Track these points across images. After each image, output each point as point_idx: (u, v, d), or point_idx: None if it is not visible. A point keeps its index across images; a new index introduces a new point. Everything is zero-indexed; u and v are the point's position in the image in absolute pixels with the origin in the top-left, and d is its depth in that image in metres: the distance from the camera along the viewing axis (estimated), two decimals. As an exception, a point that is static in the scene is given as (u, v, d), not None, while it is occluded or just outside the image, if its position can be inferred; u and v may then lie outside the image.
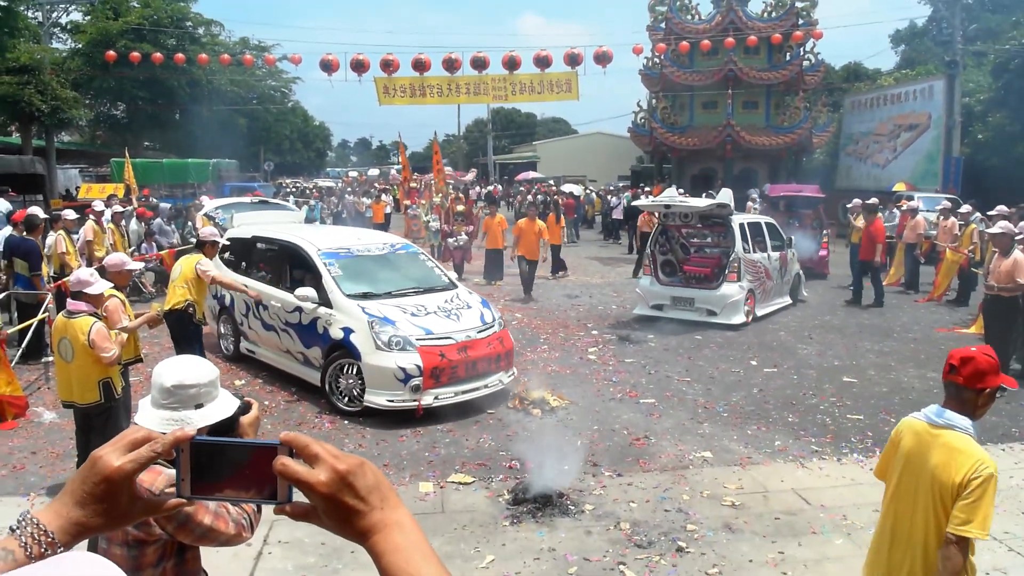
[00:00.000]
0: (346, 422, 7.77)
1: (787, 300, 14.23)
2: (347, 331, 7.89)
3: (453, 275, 9.97)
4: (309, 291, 8.23)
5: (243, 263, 10.13)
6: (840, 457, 6.86)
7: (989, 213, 13.82)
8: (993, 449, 7.03)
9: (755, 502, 5.89)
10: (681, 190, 16.79)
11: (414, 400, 7.60)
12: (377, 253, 9.37)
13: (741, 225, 12.78)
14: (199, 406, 2.37)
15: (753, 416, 7.99)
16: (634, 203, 18.65)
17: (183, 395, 2.36)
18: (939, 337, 11.75)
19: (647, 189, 28.76)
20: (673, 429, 7.55)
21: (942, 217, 15.36)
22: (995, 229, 9.11)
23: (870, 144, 31.22)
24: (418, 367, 7.56)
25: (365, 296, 8.31)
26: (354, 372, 7.89)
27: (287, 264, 9.39)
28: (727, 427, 7.64)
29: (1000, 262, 8.73)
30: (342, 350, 7.97)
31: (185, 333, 7.95)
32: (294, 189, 34.92)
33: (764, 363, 10.17)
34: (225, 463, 1.05)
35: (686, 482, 6.26)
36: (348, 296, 8.20)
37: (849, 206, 18.26)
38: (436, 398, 7.74)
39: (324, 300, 8.23)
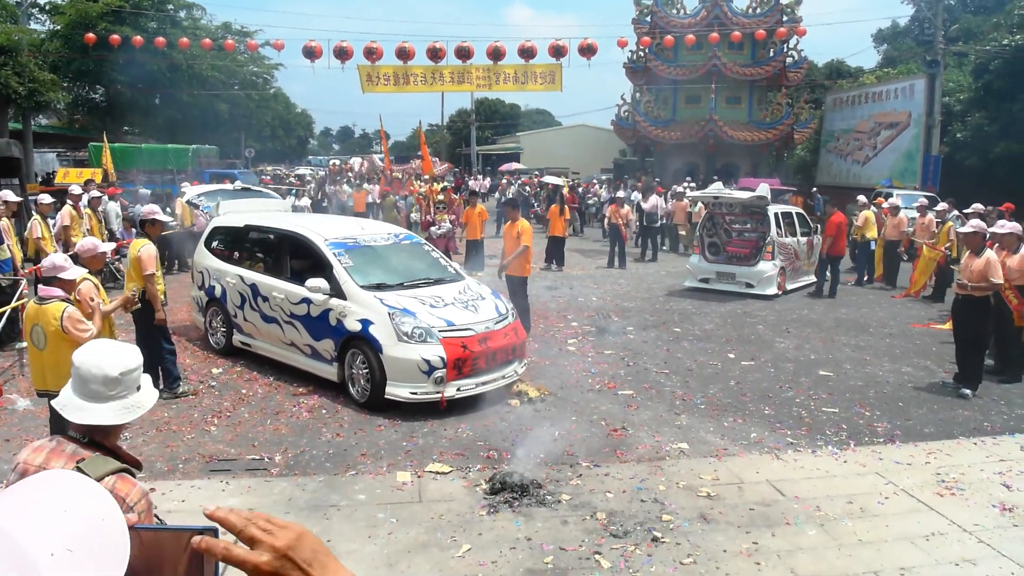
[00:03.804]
0: (324, 411, 7.75)
1: (812, 278, 15.93)
2: (365, 323, 7.71)
3: (457, 266, 9.81)
4: (321, 282, 8.04)
5: (236, 253, 9.81)
6: (815, 449, 6.92)
7: (965, 211, 13.99)
8: (965, 443, 7.14)
9: (730, 493, 5.94)
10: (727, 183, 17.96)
11: (437, 392, 7.52)
12: (383, 243, 9.17)
13: (775, 214, 14.97)
14: (139, 387, 2.36)
15: (730, 408, 8.05)
16: (688, 195, 19.34)
17: (129, 380, 2.32)
18: (915, 332, 11.89)
19: (632, 183, 28.79)
20: (650, 420, 7.59)
21: (918, 214, 15.56)
22: (966, 228, 8.94)
23: (851, 141, 31.48)
24: (442, 358, 7.47)
25: (379, 287, 8.14)
26: (368, 364, 7.73)
27: (287, 254, 9.05)
28: (704, 419, 7.69)
29: (971, 261, 8.64)
30: (359, 342, 7.80)
31: (146, 320, 7.88)
32: (273, 177, 34.41)
33: (742, 356, 10.24)
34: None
35: (662, 473, 6.29)
36: (363, 287, 8.03)
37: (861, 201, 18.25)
38: (459, 389, 7.66)
39: (336, 291, 8.05)
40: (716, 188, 15.96)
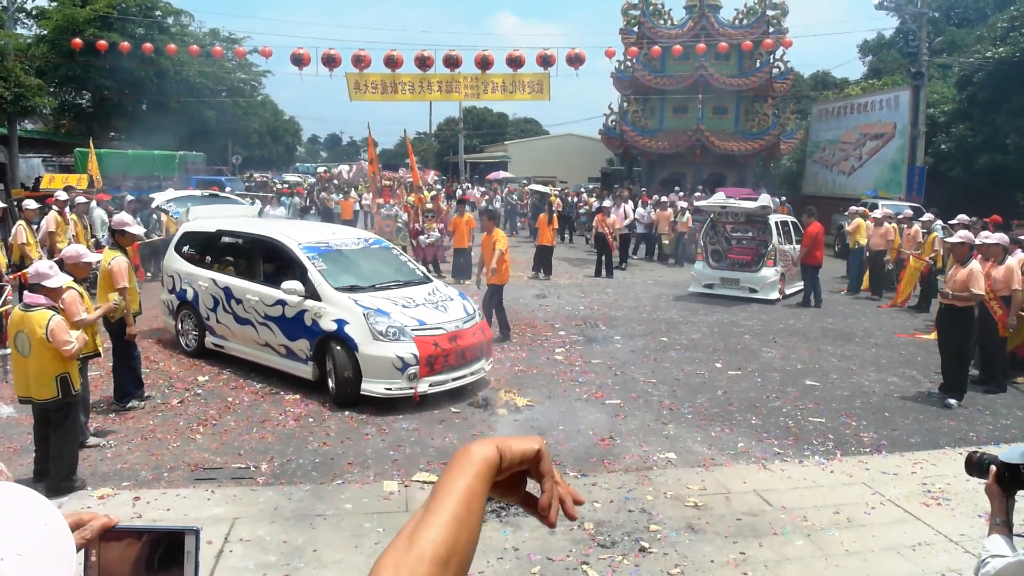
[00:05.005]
0: (311, 420, 7.71)
1: (802, 284, 16.00)
2: (341, 323, 8.02)
3: (423, 269, 10.12)
4: (296, 284, 8.32)
5: (208, 257, 10.00)
6: (802, 459, 6.94)
7: (951, 222, 14.11)
8: (951, 453, 7.18)
9: (717, 503, 5.95)
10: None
11: (411, 388, 7.82)
12: (354, 247, 9.51)
13: (776, 223, 15.71)
14: None
15: (717, 418, 8.06)
16: (698, 204, 19.45)
17: None
18: (900, 342, 11.97)
19: (621, 192, 28.83)
20: (638, 430, 7.59)
21: (905, 225, 15.69)
22: (954, 239, 9.07)
23: (836, 152, 31.68)
24: (415, 356, 7.82)
25: (352, 289, 8.45)
26: (334, 362, 8.02)
27: (261, 258, 9.34)
28: (691, 428, 7.70)
29: (957, 271, 8.72)
30: (334, 341, 8.05)
31: (119, 331, 7.83)
32: (255, 183, 33.79)
33: (729, 366, 10.26)
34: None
35: (650, 483, 6.29)
36: (336, 289, 8.33)
37: (847, 212, 18.52)
38: (431, 385, 7.99)
39: (311, 293, 8.32)
40: (720, 198, 16.61)
